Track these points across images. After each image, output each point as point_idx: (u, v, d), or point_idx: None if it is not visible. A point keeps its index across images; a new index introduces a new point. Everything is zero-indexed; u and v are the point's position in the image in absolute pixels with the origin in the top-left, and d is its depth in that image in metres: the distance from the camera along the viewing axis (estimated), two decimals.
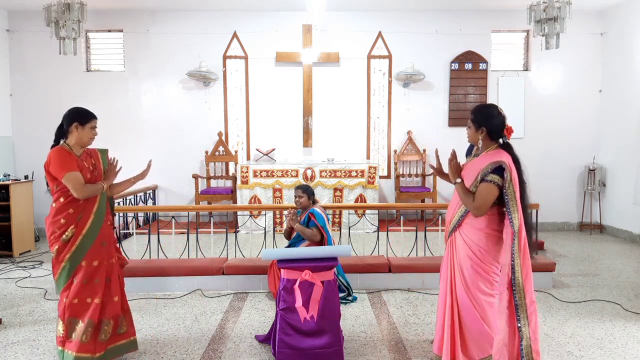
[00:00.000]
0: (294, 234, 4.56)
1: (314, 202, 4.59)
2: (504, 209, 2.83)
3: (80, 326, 3.04)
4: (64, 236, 3.02)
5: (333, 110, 7.83)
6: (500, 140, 2.92)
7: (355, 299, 4.49)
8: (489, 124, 2.87)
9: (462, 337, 2.90)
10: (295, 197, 4.58)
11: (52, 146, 3.15)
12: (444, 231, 3.83)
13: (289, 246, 4.52)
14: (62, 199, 3.03)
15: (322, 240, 4.37)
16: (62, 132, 3.17)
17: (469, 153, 3.17)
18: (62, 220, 3.02)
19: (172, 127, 7.80)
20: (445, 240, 3.12)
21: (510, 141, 2.98)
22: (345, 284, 4.46)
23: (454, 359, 2.94)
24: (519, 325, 2.75)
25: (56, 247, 3.03)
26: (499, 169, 2.78)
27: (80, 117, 3.15)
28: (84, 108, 3.25)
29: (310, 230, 4.36)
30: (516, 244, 2.77)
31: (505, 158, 2.80)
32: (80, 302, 3.05)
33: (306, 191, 4.55)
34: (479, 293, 2.86)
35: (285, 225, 4.67)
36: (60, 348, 3.07)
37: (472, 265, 2.87)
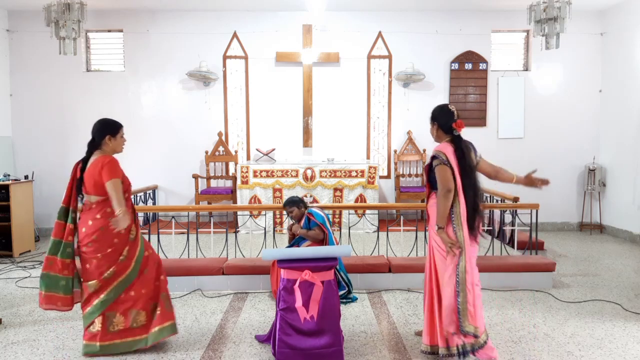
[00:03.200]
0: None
1: (306, 207, 4.62)
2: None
3: (143, 315, 3.40)
4: (131, 235, 3.34)
5: (333, 110, 7.83)
6: (453, 134, 3.26)
7: (355, 299, 4.49)
8: (439, 119, 3.29)
9: (440, 314, 3.15)
10: (288, 214, 4.65)
11: (85, 159, 3.31)
12: None
13: (290, 246, 4.53)
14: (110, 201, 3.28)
15: (325, 238, 4.39)
16: (94, 145, 3.33)
17: None
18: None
19: (172, 127, 7.80)
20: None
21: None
22: (346, 280, 4.46)
23: (433, 341, 3.20)
24: (457, 290, 3.05)
25: (127, 248, 3.32)
26: (434, 157, 3.18)
27: (111, 129, 3.34)
28: (110, 119, 3.43)
29: (313, 231, 4.41)
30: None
31: (443, 149, 3.18)
32: (158, 284, 3.45)
33: (293, 204, 4.57)
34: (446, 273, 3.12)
35: (285, 229, 4.70)
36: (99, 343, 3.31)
37: (439, 251, 3.17)
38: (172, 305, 3.53)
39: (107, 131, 3.32)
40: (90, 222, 3.26)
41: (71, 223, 3.32)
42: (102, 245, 3.26)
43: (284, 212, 6.52)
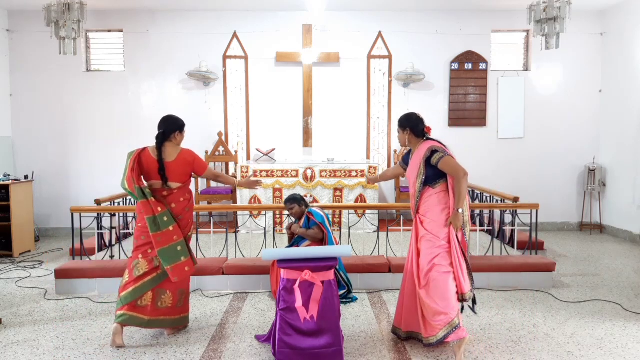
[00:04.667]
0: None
1: (307, 205, 4.63)
2: (447, 186, 3.41)
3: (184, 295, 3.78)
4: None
5: (333, 110, 7.82)
6: (425, 137, 3.57)
7: (355, 299, 4.49)
8: (411, 125, 3.57)
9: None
10: (288, 210, 4.64)
11: (158, 147, 3.61)
12: None
13: (290, 246, 4.54)
14: (189, 189, 3.79)
15: (324, 238, 4.40)
16: (164, 137, 3.67)
17: (406, 157, 3.77)
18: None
19: None
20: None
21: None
22: (346, 280, 4.46)
23: (409, 327, 3.50)
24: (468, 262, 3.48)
25: (193, 226, 3.81)
26: (434, 151, 3.41)
27: (179, 126, 3.75)
28: (176, 116, 3.80)
29: (313, 230, 4.42)
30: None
31: (432, 143, 3.48)
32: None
33: (295, 201, 4.59)
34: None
35: (285, 229, 4.70)
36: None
37: (431, 239, 3.39)
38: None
39: (176, 127, 3.72)
40: (173, 205, 3.63)
41: (151, 197, 3.55)
42: (183, 224, 3.67)
43: (284, 212, 6.53)
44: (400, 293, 3.58)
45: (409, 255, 3.54)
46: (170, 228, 3.54)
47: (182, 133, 3.77)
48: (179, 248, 3.56)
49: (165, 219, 3.53)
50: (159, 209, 3.53)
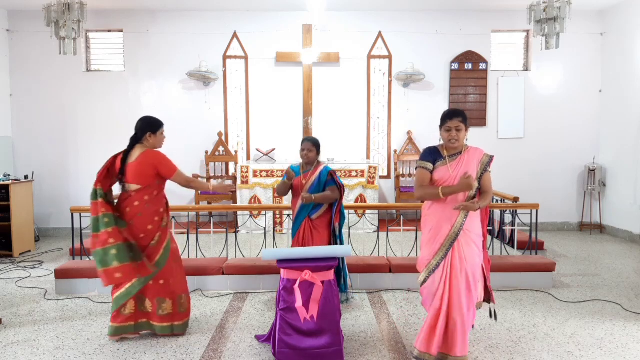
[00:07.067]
0: (298, 204, 4.01)
1: (319, 154, 4.12)
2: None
3: (187, 299, 3.69)
4: (162, 223, 3.59)
5: (333, 110, 7.83)
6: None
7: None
8: (468, 124, 3.24)
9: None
10: (304, 150, 4.02)
11: (127, 151, 3.54)
12: None
13: (297, 218, 4.05)
14: (155, 192, 3.57)
15: (340, 200, 3.99)
16: (137, 140, 3.59)
17: (430, 157, 3.23)
18: (161, 209, 3.61)
19: (172, 127, 7.66)
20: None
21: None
22: (344, 279, 4.21)
23: (429, 349, 3.11)
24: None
25: (158, 234, 3.56)
26: (491, 158, 3.26)
27: (151, 127, 3.60)
28: (152, 117, 3.67)
29: (330, 192, 3.92)
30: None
31: (482, 149, 3.28)
32: (184, 278, 3.70)
33: (316, 144, 4.05)
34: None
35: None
36: (172, 323, 3.63)
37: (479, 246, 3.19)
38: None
39: (148, 129, 3.58)
40: (128, 209, 3.51)
41: (101, 199, 3.48)
42: (137, 231, 3.51)
43: (284, 212, 6.52)
44: (435, 312, 3.04)
45: (452, 278, 3.05)
46: (109, 229, 3.40)
47: (155, 134, 3.60)
48: (112, 252, 3.38)
49: (106, 220, 3.42)
50: (103, 210, 3.44)
